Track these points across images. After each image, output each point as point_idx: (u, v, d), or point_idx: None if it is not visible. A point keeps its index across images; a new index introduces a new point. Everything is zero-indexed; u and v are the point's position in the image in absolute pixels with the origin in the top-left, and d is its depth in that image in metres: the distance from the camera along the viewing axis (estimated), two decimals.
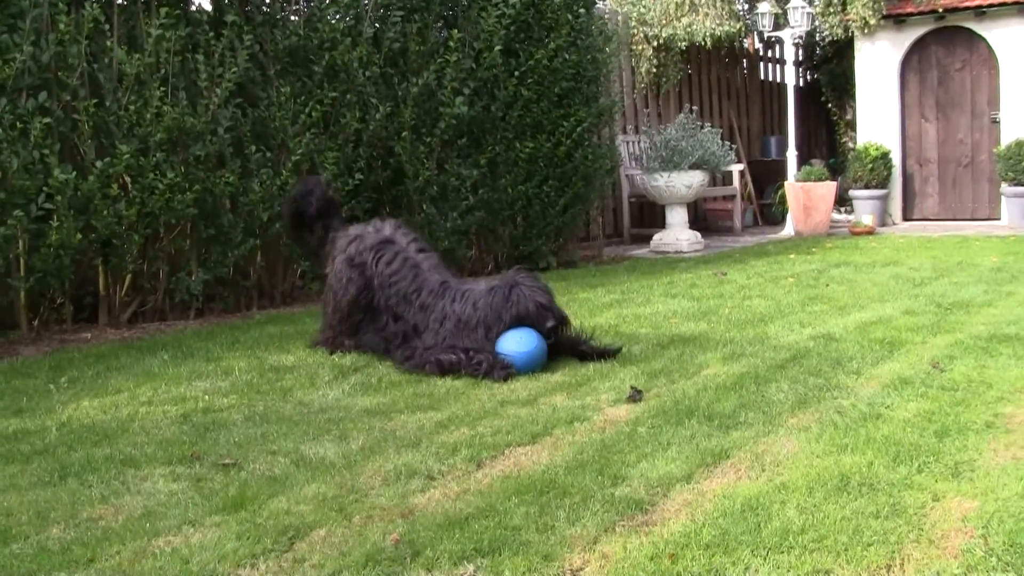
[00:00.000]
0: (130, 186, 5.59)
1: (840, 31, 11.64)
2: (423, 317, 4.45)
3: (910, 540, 2.28)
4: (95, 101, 5.45)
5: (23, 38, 5.11)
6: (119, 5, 5.82)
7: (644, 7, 11.61)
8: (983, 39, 11.22)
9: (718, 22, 11.49)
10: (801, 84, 14.05)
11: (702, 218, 12.22)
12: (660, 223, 10.36)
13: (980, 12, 11.03)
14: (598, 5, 9.43)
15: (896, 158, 11.73)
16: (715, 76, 13.10)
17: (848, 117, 13.69)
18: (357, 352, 4.63)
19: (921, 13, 11.24)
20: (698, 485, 2.69)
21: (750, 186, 12.83)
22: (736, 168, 11.60)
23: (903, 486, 2.61)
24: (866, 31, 11.51)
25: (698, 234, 10.02)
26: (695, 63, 12.60)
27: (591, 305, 6.01)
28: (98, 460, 3.04)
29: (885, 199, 11.62)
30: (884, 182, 11.55)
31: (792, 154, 11.25)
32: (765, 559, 2.19)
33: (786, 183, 11.20)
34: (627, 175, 10.89)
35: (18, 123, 5.07)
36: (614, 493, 2.63)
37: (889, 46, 11.70)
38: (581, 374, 4.12)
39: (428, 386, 4.01)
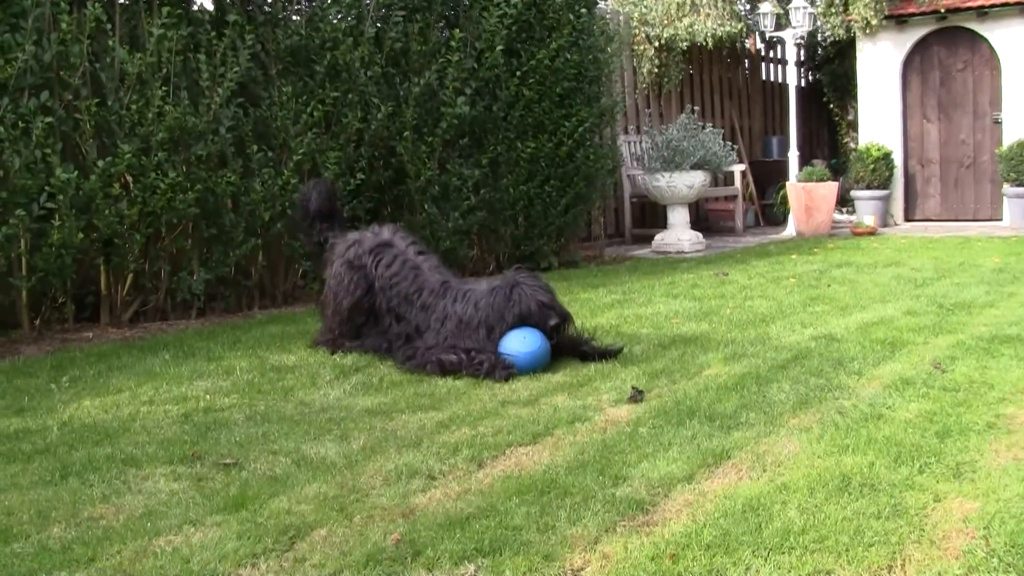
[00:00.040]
0: (132, 185, 5.60)
1: (842, 31, 11.63)
2: (424, 317, 4.46)
3: (911, 541, 2.28)
4: (97, 100, 5.46)
5: (25, 37, 5.12)
6: (121, 4, 5.82)
7: (645, 7, 11.60)
8: (985, 40, 11.21)
9: (719, 22, 11.48)
10: (803, 84, 14.04)
11: (703, 218, 12.21)
12: (662, 223, 10.35)
13: (982, 12, 11.02)
14: (600, 5, 9.42)
15: (898, 158, 11.72)
16: (717, 76, 13.09)
17: (850, 117, 13.68)
18: (358, 352, 4.64)
19: (923, 13, 11.23)
20: (699, 485, 2.69)
21: (752, 186, 12.82)
22: (738, 168, 11.59)
23: (904, 487, 2.60)
24: (868, 31, 11.51)
25: (699, 234, 10.01)
26: (697, 63, 12.59)
27: (592, 305, 6.01)
28: (99, 459, 3.04)
29: (887, 200, 11.62)
30: (886, 183, 11.54)
31: (794, 154, 11.25)
32: (766, 559, 2.19)
33: (788, 183, 11.19)
34: (629, 175, 10.88)
35: (20, 122, 5.08)
36: (615, 493, 2.63)
37: (891, 46, 11.70)
38: (582, 374, 4.12)
39: (429, 386, 4.01)
